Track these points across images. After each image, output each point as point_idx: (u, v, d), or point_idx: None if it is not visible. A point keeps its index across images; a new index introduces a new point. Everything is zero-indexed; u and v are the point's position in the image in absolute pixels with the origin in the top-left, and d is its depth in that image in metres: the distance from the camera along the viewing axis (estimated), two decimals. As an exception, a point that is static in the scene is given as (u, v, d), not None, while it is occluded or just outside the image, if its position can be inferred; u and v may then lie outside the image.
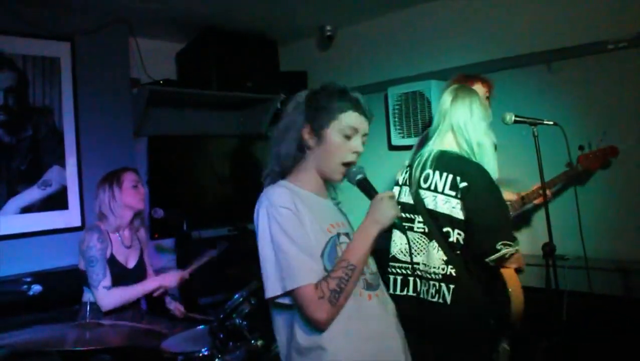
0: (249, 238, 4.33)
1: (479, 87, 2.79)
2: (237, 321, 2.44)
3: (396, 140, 4.03)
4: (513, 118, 2.61)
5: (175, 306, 3.18)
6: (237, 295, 2.48)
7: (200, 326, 2.82)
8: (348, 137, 1.71)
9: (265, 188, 1.74)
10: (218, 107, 4.77)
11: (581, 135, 3.03)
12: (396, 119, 3.99)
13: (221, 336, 2.44)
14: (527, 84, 3.04)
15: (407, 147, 3.99)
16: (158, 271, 3.31)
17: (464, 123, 2.37)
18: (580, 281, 2.93)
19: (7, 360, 2.44)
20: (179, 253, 4.23)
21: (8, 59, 3.44)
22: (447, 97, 2.45)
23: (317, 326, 1.59)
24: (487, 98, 2.85)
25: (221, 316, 2.46)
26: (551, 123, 2.62)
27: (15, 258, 3.39)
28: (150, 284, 2.96)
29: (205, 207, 4.45)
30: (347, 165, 1.73)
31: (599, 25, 3.08)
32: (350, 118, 1.71)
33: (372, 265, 1.81)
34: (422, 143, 2.63)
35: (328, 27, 4.29)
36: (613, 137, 3.02)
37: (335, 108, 1.71)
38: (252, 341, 2.44)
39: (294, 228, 1.62)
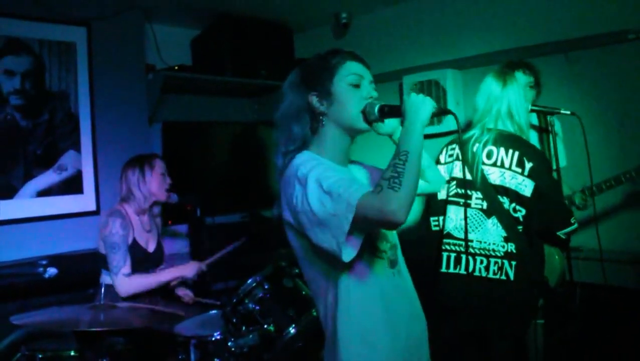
0: (263, 225, 4.34)
1: (521, 75, 2.74)
2: (250, 305, 2.46)
3: (410, 129, 3.99)
4: (530, 107, 2.59)
5: (184, 293, 3.20)
6: (250, 280, 2.49)
7: (214, 311, 2.84)
8: (356, 86, 1.65)
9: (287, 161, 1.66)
10: (233, 93, 4.77)
11: (599, 127, 2.99)
12: (411, 108, 3.95)
13: (234, 320, 2.46)
14: (543, 74, 3.00)
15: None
16: (171, 257, 3.33)
17: (517, 107, 2.46)
18: (594, 273, 2.91)
19: (23, 340, 2.49)
20: (192, 239, 4.26)
21: (25, 44, 3.46)
22: (496, 82, 2.51)
23: (396, 224, 1.40)
24: (538, 84, 2.83)
25: (234, 300, 2.47)
26: (568, 113, 2.59)
27: (32, 241, 3.42)
28: (169, 274, 2.98)
29: (219, 193, 4.46)
30: None
31: (618, 14, 3.03)
32: (351, 67, 1.66)
33: (392, 237, 1.74)
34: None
35: (344, 15, 4.27)
36: (632, 129, 2.98)
37: (333, 65, 1.67)
38: (265, 326, 2.46)
39: (333, 169, 1.58)
